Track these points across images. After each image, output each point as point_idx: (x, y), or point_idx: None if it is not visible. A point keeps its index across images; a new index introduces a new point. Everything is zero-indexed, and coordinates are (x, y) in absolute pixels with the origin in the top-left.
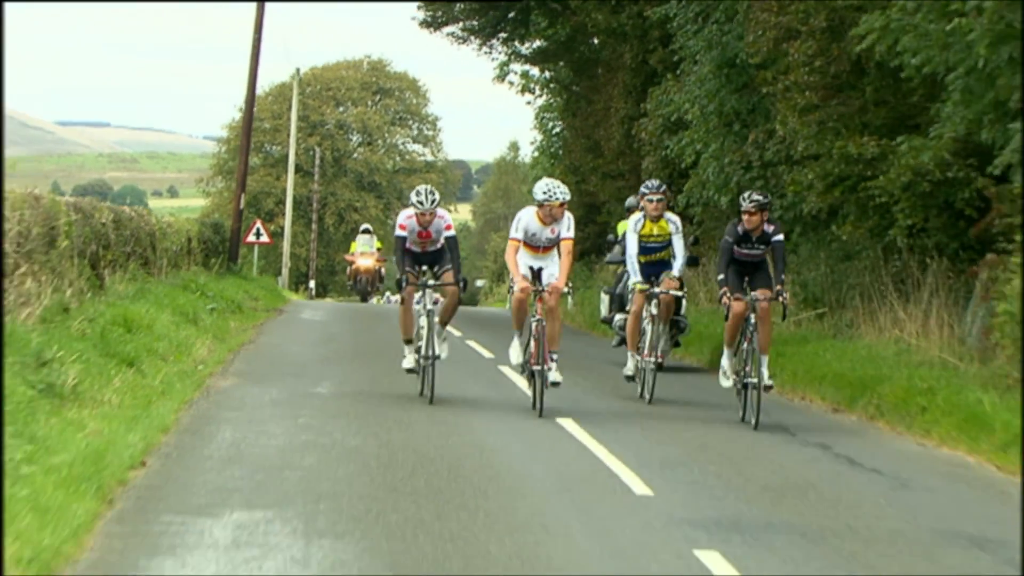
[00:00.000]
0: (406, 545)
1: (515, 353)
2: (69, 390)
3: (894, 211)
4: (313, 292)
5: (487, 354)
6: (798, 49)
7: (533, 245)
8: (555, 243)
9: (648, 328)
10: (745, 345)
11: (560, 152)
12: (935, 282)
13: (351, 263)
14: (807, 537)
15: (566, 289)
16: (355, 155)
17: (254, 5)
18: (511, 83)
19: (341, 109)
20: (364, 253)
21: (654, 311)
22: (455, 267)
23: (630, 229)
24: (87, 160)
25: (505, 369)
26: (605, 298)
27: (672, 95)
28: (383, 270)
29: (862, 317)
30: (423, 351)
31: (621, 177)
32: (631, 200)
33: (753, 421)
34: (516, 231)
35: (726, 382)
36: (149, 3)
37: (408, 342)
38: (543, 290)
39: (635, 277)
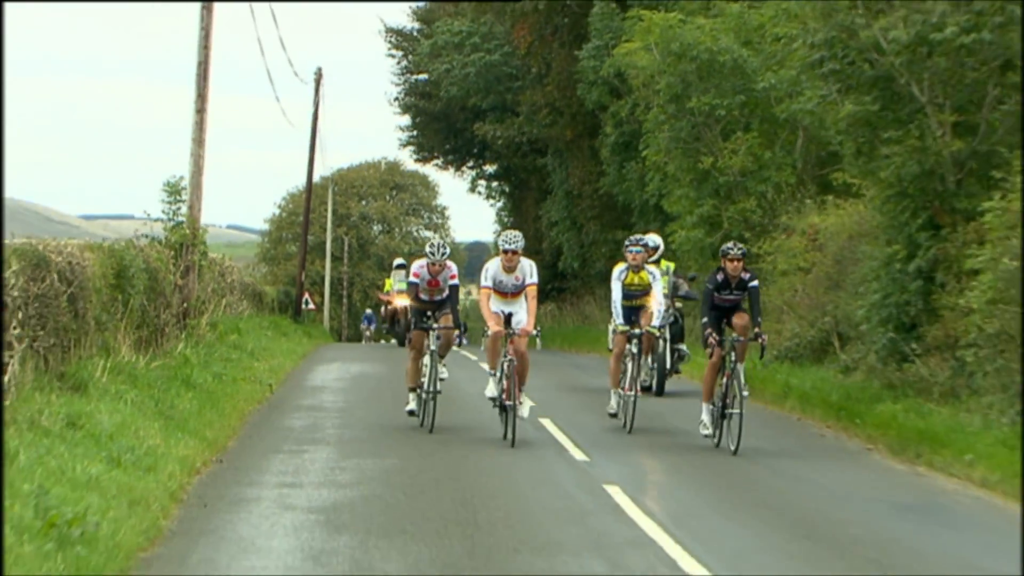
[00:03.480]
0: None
1: (490, 388)
2: (269, 340)
3: None
4: None
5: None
6: (585, 187)
7: (501, 291)
8: (521, 289)
9: (629, 365)
10: (724, 380)
11: None
12: None
13: (387, 303)
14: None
15: (534, 332)
16: (376, 241)
17: (300, 111)
18: (479, 192)
19: (364, 203)
20: (401, 292)
21: (635, 350)
22: (453, 312)
23: (614, 278)
24: None
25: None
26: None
27: (551, 208)
28: None
29: None
30: (426, 386)
31: (538, 254)
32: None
33: (733, 447)
34: (486, 280)
35: (706, 431)
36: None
37: (412, 390)
38: (514, 333)
39: (617, 319)
